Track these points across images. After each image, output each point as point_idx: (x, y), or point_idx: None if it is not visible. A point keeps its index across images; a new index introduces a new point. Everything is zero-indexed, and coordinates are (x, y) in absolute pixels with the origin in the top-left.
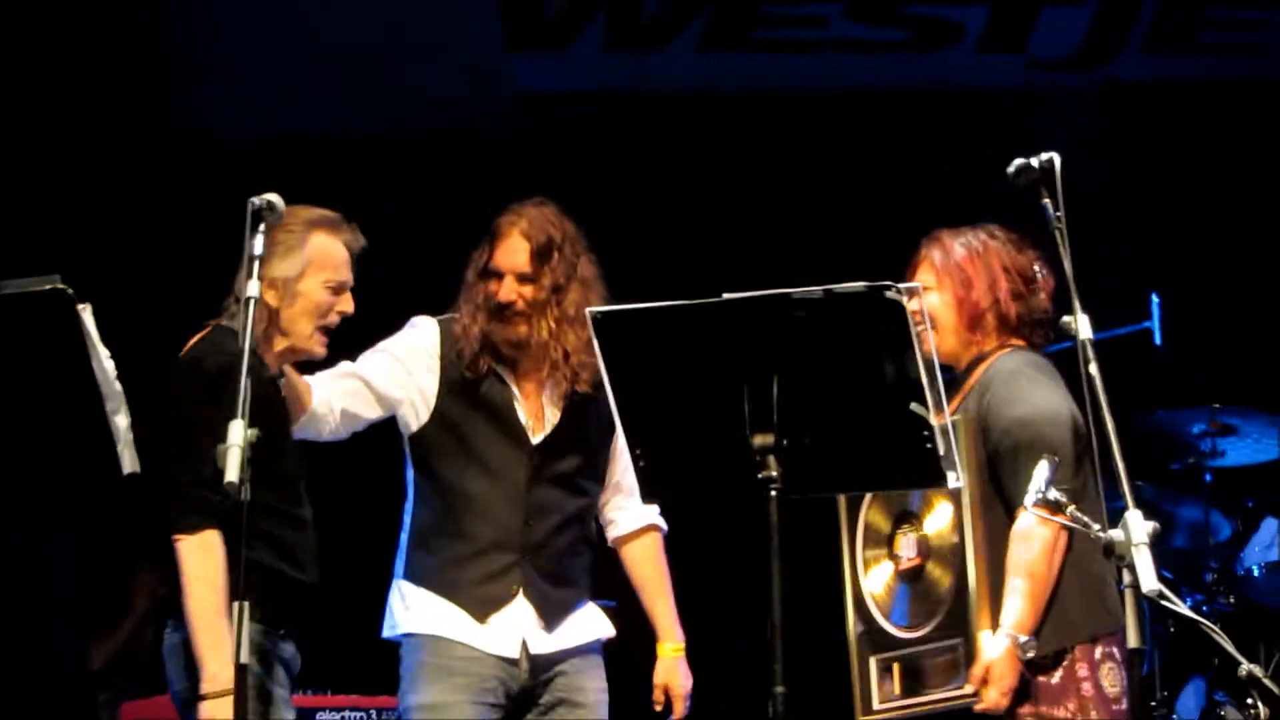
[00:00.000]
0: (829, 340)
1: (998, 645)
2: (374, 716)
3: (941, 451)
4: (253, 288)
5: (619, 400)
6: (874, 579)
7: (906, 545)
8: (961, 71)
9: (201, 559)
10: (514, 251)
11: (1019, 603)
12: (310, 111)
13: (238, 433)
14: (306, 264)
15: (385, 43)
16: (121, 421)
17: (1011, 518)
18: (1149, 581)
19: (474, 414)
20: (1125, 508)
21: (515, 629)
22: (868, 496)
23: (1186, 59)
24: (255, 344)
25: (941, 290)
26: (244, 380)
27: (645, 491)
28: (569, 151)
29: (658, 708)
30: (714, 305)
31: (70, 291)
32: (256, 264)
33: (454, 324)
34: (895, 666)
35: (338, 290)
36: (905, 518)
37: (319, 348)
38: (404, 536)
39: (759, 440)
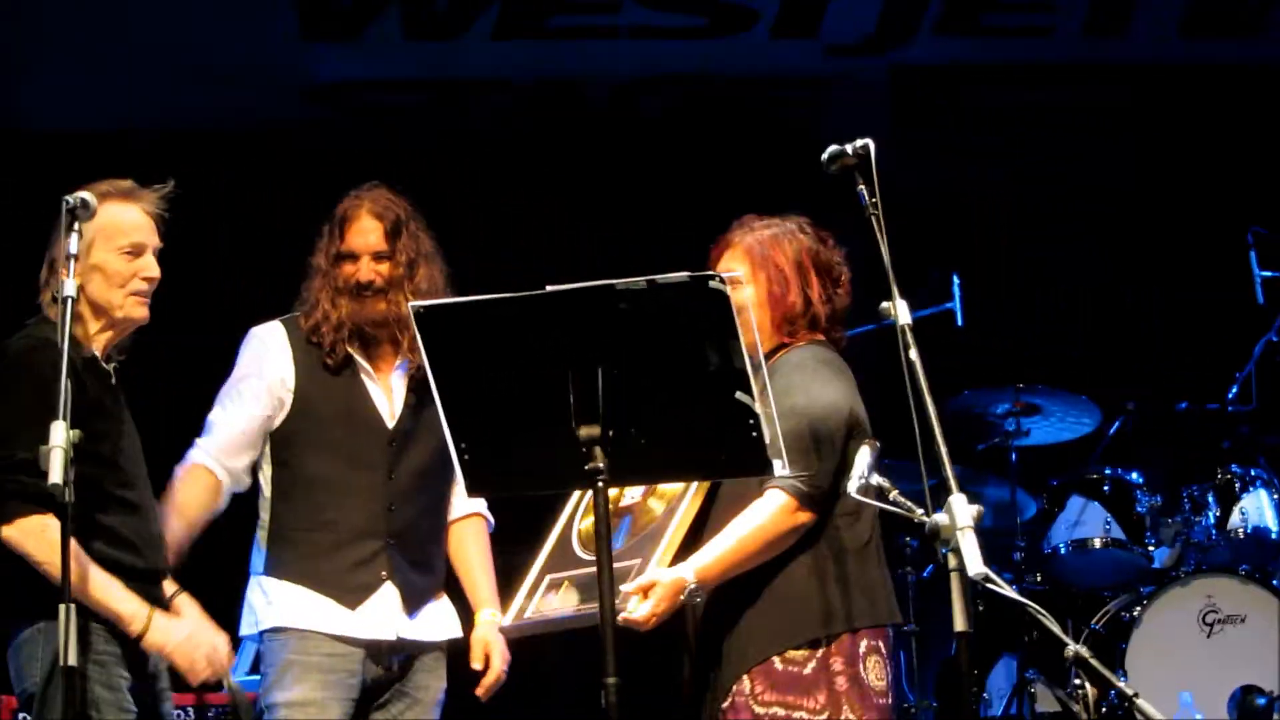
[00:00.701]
0: (653, 331)
1: (671, 572)
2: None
3: (767, 439)
4: (69, 287)
5: (442, 395)
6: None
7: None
8: (755, 58)
9: (37, 541)
10: (366, 231)
11: (713, 553)
12: (111, 105)
13: (60, 434)
14: (95, 234)
15: (178, 36)
16: None
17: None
18: (975, 565)
19: (331, 404)
20: (949, 491)
21: (387, 614)
22: None
23: (975, 42)
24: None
25: (756, 284)
26: (64, 381)
27: (470, 485)
28: (370, 141)
29: (477, 665)
30: (538, 298)
31: None
32: (73, 263)
33: (299, 320)
34: (564, 583)
35: (135, 254)
36: None
37: (137, 309)
38: (260, 533)
39: (585, 432)
